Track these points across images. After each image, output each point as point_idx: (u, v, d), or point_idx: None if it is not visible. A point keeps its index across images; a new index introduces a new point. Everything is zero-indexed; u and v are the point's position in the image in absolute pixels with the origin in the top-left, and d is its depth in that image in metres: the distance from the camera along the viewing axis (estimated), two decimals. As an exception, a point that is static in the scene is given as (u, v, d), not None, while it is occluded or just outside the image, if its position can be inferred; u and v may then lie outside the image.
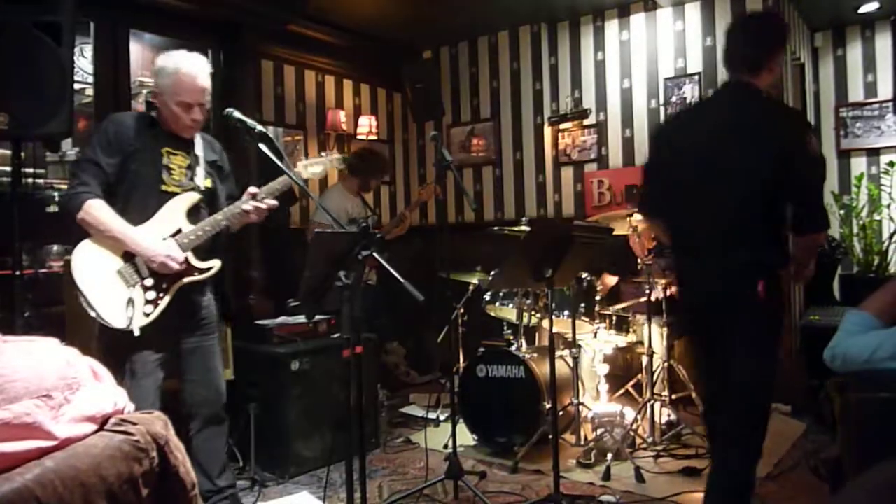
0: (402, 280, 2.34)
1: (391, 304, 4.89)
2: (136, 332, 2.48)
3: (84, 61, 3.78)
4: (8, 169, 2.97)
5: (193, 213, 2.69)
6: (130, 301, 2.50)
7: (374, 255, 2.37)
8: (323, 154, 2.93)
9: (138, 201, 2.59)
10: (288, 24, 4.72)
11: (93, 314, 2.45)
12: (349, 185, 4.80)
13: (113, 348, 2.49)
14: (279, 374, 3.48)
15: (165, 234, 2.60)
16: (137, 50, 4.11)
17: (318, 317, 3.78)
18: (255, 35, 4.41)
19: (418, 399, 4.85)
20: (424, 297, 2.30)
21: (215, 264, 2.72)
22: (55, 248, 3.45)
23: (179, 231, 2.63)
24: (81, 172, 2.55)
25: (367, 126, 5.73)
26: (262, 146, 2.64)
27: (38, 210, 3.43)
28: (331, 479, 3.32)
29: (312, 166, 2.85)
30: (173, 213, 2.64)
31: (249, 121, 2.67)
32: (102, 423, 1.25)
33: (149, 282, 2.56)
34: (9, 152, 2.91)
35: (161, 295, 2.57)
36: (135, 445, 1.23)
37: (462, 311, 4.31)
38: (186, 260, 2.62)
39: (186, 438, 2.71)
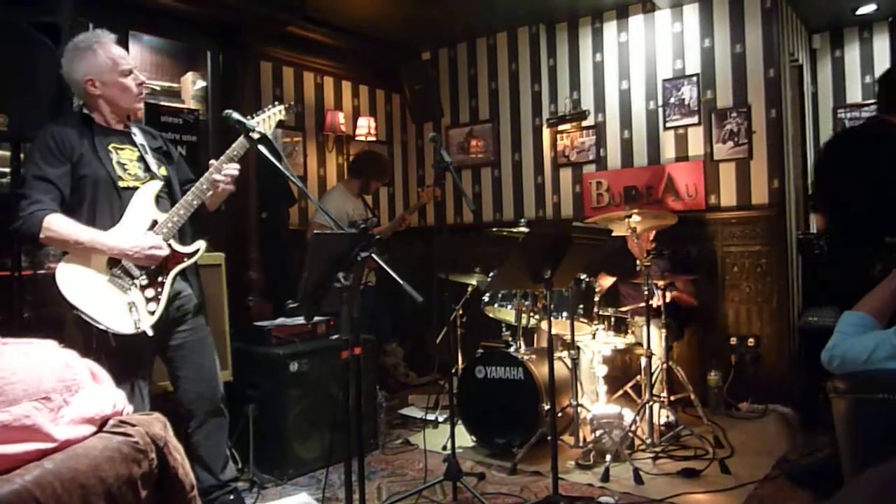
0: (401, 282, 2.34)
1: (390, 305, 4.89)
2: (150, 332, 2.44)
3: (82, 62, 3.78)
4: (7, 170, 2.96)
5: (158, 204, 2.61)
6: (132, 305, 2.44)
7: (373, 256, 2.37)
8: (267, 108, 2.88)
9: (103, 205, 2.50)
10: (287, 25, 4.72)
11: (101, 327, 2.36)
12: (350, 187, 4.81)
13: (117, 357, 2.35)
14: (278, 376, 3.47)
15: (143, 228, 2.53)
16: (136, 51, 4.10)
17: (316, 318, 3.78)
18: (253, 36, 4.41)
19: (417, 400, 4.85)
20: (423, 299, 2.30)
21: (201, 245, 2.66)
22: (53, 249, 3.44)
23: (155, 222, 2.56)
24: (30, 191, 2.38)
25: (365, 127, 5.73)
26: (260, 147, 2.64)
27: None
28: (329, 481, 3.32)
29: (259, 124, 2.72)
30: (142, 207, 2.56)
31: (248, 122, 2.67)
32: (101, 424, 1.25)
33: (143, 280, 2.49)
34: (7, 153, 2.91)
35: (159, 290, 2.53)
36: (134, 447, 1.23)
37: (461, 312, 4.31)
38: (171, 247, 2.56)
39: (186, 437, 2.69)
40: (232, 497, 2.82)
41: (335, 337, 3.80)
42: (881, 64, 5.33)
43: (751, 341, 4.68)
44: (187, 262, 2.62)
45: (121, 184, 2.54)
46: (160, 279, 2.54)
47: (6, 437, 1.08)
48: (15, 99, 2.64)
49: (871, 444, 1.76)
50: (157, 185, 2.62)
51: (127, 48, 3.86)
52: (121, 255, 2.45)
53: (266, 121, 2.79)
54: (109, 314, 2.39)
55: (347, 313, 2.32)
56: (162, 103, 3.97)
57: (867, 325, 1.92)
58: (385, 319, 4.95)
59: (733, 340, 4.72)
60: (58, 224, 2.36)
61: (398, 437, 4.15)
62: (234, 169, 2.66)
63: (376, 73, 6.01)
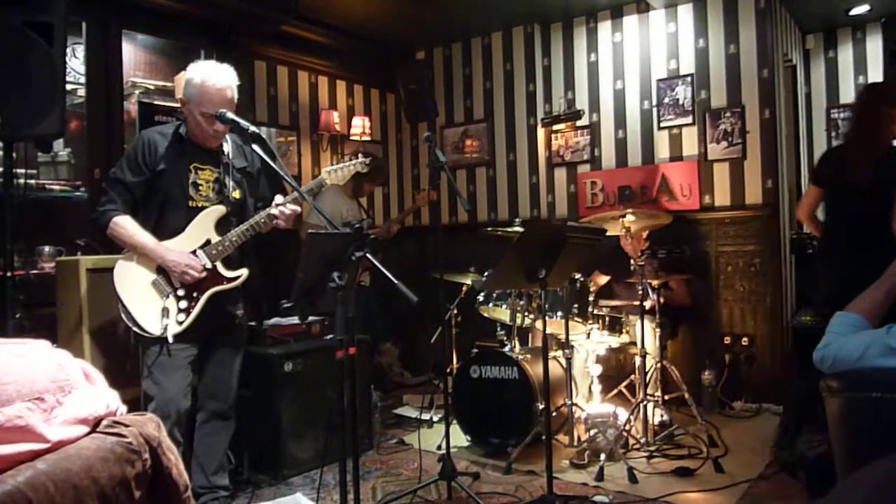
0: (395, 281, 2.33)
1: (384, 305, 4.89)
2: (171, 340, 2.64)
3: (76, 62, 3.76)
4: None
5: (222, 225, 2.80)
6: (165, 310, 2.66)
7: (368, 256, 2.37)
8: (349, 157, 3.00)
9: (169, 217, 2.74)
10: (281, 24, 4.71)
11: (131, 324, 2.64)
12: (345, 188, 4.79)
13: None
14: (272, 376, 3.47)
15: (195, 246, 2.74)
16: (129, 50, 4.09)
17: (311, 318, 3.77)
18: (247, 36, 4.39)
19: (412, 400, 4.85)
20: (418, 298, 2.30)
21: (243, 273, 2.83)
22: (47, 249, 3.42)
23: (208, 242, 2.76)
24: (109, 190, 2.73)
25: (360, 127, 5.72)
26: (255, 147, 2.65)
27: (29, 211, 3.40)
28: (324, 481, 3.31)
29: (337, 171, 2.93)
30: (202, 226, 2.76)
31: (243, 121, 2.68)
32: (95, 425, 1.25)
33: (181, 292, 2.71)
34: (0, 153, 2.89)
35: (192, 304, 2.72)
36: (127, 447, 1.22)
37: (455, 311, 4.30)
38: (215, 269, 2.75)
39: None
40: (217, 502, 2.89)
41: (330, 337, 3.79)
42: (874, 64, 5.36)
43: (744, 340, 4.70)
44: (225, 286, 2.79)
45: (190, 203, 2.76)
46: (195, 295, 2.73)
47: (-1, 438, 1.07)
48: (7, 98, 2.63)
49: (864, 442, 1.77)
50: (220, 210, 2.81)
51: (120, 47, 3.86)
52: (162, 265, 2.68)
53: (341, 171, 2.95)
54: (143, 312, 2.65)
55: (342, 313, 2.32)
56: (156, 102, 3.96)
57: (859, 325, 1.93)
58: (379, 319, 4.95)
59: (727, 340, 4.74)
60: (122, 225, 2.67)
61: (393, 437, 4.15)
62: (292, 209, 2.83)
63: (371, 72, 6.00)
